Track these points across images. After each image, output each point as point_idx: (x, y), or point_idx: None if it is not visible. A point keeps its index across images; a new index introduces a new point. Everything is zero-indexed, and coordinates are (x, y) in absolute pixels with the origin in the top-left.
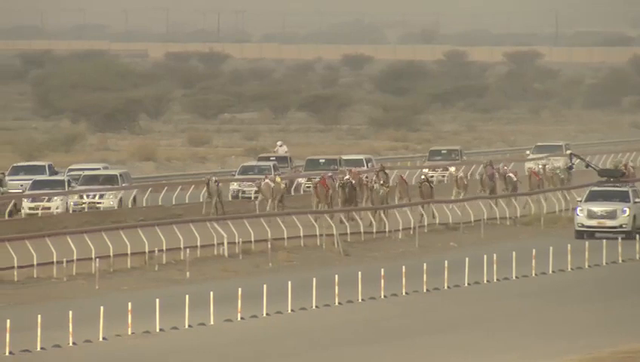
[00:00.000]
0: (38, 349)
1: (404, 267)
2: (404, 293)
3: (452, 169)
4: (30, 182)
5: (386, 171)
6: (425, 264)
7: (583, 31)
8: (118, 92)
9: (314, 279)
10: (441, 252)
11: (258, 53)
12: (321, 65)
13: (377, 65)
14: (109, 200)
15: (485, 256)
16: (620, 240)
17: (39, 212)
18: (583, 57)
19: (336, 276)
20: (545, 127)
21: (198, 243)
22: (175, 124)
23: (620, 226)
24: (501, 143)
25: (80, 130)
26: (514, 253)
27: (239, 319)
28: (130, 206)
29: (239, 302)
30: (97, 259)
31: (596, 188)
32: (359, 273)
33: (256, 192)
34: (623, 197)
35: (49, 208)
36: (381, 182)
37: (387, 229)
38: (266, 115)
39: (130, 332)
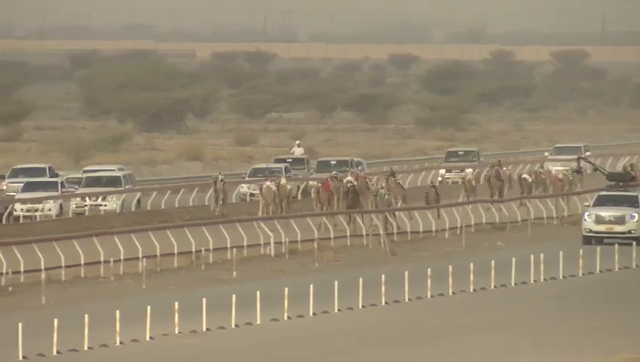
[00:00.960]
0: (86, 348)
1: (450, 267)
2: (450, 293)
3: (468, 171)
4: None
5: (395, 175)
6: (472, 264)
7: (631, 30)
8: (165, 92)
9: (360, 279)
10: (488, 251)
11: (305, 53)
12: (367, 64)
13: (424, 64)
14: (111, 203)
15: (532, 256)
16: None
17: (36, 214)
18: (631, 56)
19: (383, 276)
20: (592, 126)
21: (245, 243)
22: (222, 124)
23: (629, 232)
24: (548, 143)
25: (127, 130)
26: (561, 253)
27: (286, 318)
28: (133, 209)
29: (286, 301)
30: (144, 259)
31: (605, 193)
32: (406, 273)
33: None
34: (632, 202)
35: (37, 210)
36: (381, 186)
37: (395, 231)
38: (313, 115)
39: (177, 332)
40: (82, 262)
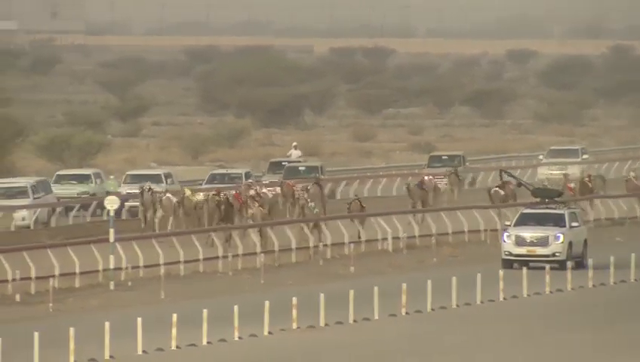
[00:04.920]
0: (204, 343)
1: (569, 263)
2: (569, 288)
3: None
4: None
5: (321, 184)
6: (590, 259)
7: None
8: (283, 87)
9: (478, 274)
10: (607, 247)
11: (422, 48)
12: (485, 59)
13: (542, 59)
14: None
15: None
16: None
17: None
18: None
19: (501, 271)
20: None
21: (362, 238)
22: (339, 119)
23: (553, 254)
24: None
25: (245, 126)
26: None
27: (404, 314)
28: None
29: (404, 297)
30: (262, 254)
31: (528, 211)
32: (524, 268)
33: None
34: (558, 222)
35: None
36: (306, 198)
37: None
38: (431, 110)
39: (295, 327)
40: (201, 258)
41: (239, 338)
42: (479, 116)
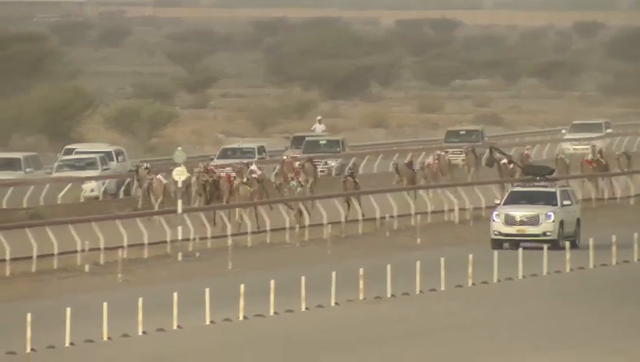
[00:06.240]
0: (271, 314)
1: (636, 234)
2: (635, 260)
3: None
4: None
5: (314, 162)
6: (591, 239)
7: None
8: (349, 59)
9: (544, 246)
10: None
11: (490, 20)
12: (552, 31)
13: (609, 31)
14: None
15: None
16: None
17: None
18: None
19: (567, 242)
20: None
21: (429, 210)
22: (406, 91)
23: (543, 234)
24: None
25: (312, 97)
26: None
27: (470, 285)
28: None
29: (470, 268)
30: (329, 226)
31: (518, 189)
32: (590, 239)
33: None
34: (550, 200)
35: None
36: (244, 180)
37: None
38: (498, 82)
39: (361, 298)
40: (268, 228)
41: (306, 308)
42: (547, 88)
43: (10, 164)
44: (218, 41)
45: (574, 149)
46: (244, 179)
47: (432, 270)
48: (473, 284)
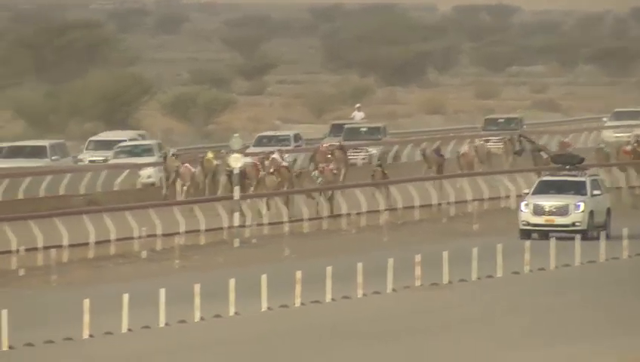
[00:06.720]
0: (328, 300)
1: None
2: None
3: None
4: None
5: (345, 149)
6: (625, 229)
7: None
8: (406, 45)
9: (602, 233)
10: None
11: (547, 5)
12: (609, 17)
13: None
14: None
15: None
16: None
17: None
18: None
19: (625, 229)
20: None
21: (485, 196)
22: (463, 77)
23: (573, 224)
24: None
25: (368, 84)
26: None
27: (528, 271)
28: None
29: (527, 254)
30: (386, 212)
31: (547, 178)
32: (624, 229)
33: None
34: (579, 189)
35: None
36: (271, 170)
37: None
38: (554, 68)
39: (418, 284)
40: (324, 215)
41: (363, 295)
42: (603, 74)
43: (37, 152)
44: (275, 27)
45: (616, 137)
46: (271, 170)
47: (488, 256)
48: (530, 271)
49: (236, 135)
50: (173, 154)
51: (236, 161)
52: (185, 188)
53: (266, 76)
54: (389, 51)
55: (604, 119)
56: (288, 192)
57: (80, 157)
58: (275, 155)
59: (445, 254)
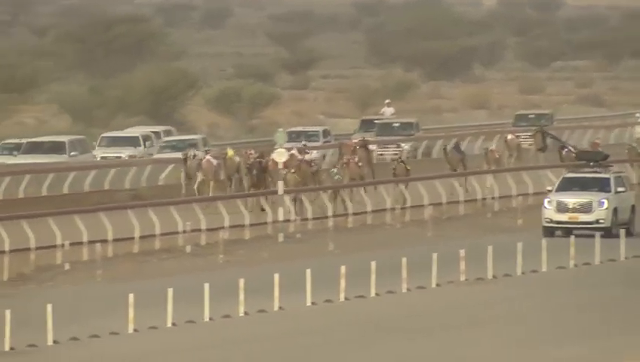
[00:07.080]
0: (373, 295)
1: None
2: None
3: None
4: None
5: (368, 147)
6: None
7: None
8: (451, 40)
9: (621, 231)
10: None
11: (592, 0)
12: None
13: None
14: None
15: None
16: None
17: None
18: None
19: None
20: None
21: (530, 191)
22: (507, 72)
23: (597, 221)
24: None
25: (413, 79)
26: None
27: (572, 266)
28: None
29: (572, 249)
30: (430, 207)
31: (571, 175)
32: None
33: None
34: (603, 186)
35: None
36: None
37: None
38: (600, 63)
39: (462, 279)
40: (368, 210)
41: (407, 289)
42: None
43: (56, 148)
44: (319, 21)
45: None
46: (292, 170)
47: (533, 251)
48: (575, 266)
49: (280, 130)
50: (194, 156)
51: (280, 156)
52: (200, 181)
53: (309, 71)
54: (433, 46)
55: (637, 115)
56: (333, 187)
57: (93, 153)
58: (294, 151)
59: (490, 249)
